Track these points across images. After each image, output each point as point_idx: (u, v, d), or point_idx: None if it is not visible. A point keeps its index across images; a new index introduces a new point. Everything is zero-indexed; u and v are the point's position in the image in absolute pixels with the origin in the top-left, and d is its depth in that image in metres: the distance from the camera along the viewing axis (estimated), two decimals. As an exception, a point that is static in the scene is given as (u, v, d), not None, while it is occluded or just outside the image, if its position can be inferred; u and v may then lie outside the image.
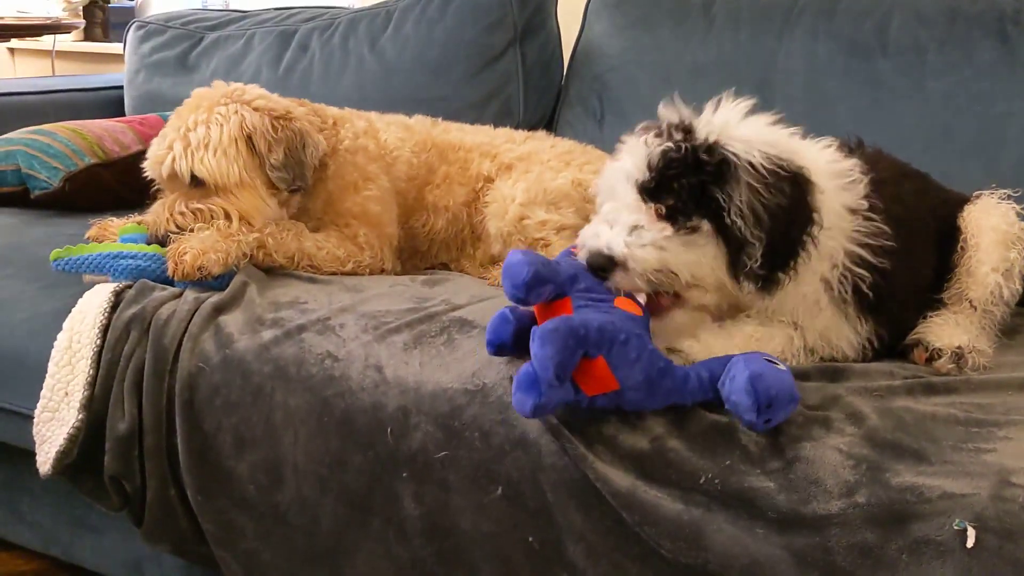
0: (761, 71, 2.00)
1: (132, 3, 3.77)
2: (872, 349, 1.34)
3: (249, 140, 1.61)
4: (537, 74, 2.29)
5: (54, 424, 1.45)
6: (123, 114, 2.53)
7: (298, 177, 1.64)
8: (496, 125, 2.01)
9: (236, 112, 1.61)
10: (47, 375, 1.46)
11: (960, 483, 1.01)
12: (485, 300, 1.47)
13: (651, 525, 1.08)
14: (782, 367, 1.09)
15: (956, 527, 0.97)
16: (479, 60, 2.25)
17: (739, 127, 1.20)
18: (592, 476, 1.11)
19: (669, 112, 1.23)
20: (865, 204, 1.28)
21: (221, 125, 1.59)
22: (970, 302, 1.42)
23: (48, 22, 3.45)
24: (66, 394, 1.45)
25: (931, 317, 1.40)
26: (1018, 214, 1.47)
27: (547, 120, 2.31)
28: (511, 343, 1.21)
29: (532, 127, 2.14)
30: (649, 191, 1.17)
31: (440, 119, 1.97)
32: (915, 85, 1.89)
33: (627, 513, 1.09)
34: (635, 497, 1.09)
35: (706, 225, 1.17)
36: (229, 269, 1.53)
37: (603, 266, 1.17)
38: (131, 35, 2.62)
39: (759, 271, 1.17)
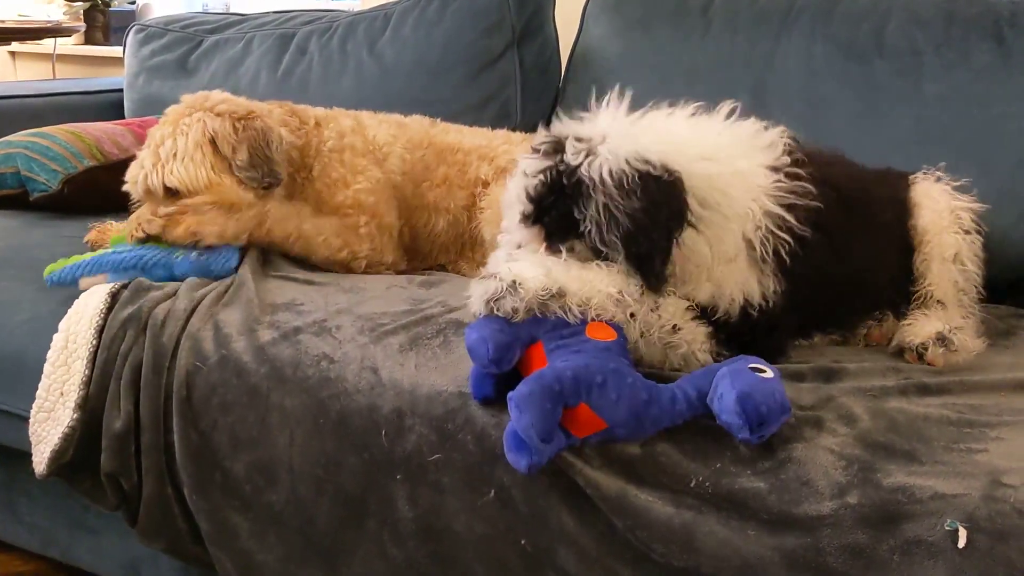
0: (758, 73, 2.01)
1: (132, 7, 3.78)
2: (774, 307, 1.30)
3: (213, 143, 1.64)
4: (535, 76, 2.29)
5: (49, 424, 1.46)
6: (123, 117, 2.53)
7: (267, 175, 1.66)
8: (494, 127, 2.02)
9: (199, 120, 1.65)
10: (43, 375, 1.47)
11: (952, 483, 1.02)
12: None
13: (642, 529, 1.09)
14: (769, 373, 1.09)
15: (948, 527, 0.98)
16: (477, 63, 2.25)
17: (613, 137, 1.22)
18: (582, 482, 1.12)
19: (558, 127, 1.29)
20: (788, 160, 1.30)
21: (185, 134, 1.63)
22: (939, 302, 1.46)
23: (49, 25, 3.46)
24: (61, 394, 1.46)
25: (903, 323, 1.44)
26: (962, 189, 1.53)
27: (545, 123, 2.30)
28: (495, 395, 1.20)
29: (530, 129, 2.14)
30: (531, 218, 1.24)
31: (439, 120, 1.97)
32: (912, 87, 1.89)
33: (618, 518, 1.10)
34: (626, 501, 1.09)
35: (580, 244, 1.22)
36: (226, 242, 1.56)
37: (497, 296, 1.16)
38: (131, 38, 2.62)
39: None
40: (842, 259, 1.36)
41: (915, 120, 1.87)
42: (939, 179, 1.54)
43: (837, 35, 1.97)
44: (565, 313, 1.14)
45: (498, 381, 1.18)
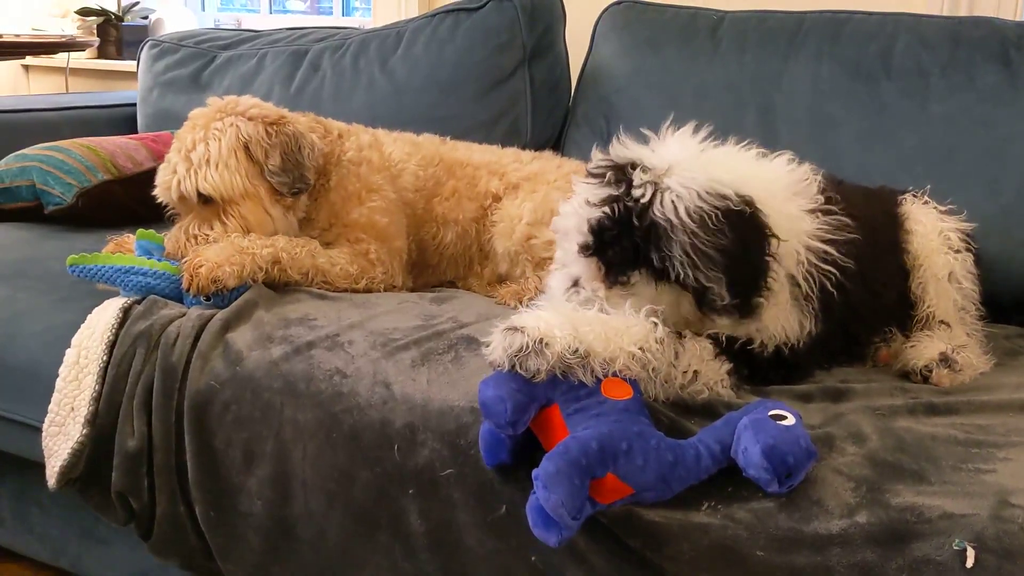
0: (766, 93, 2.02)
1: (146, 22, 3.81)
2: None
3: (247, 149, 1.64)
4: (545, 95, 2.31)
5: (60, 438, 1.47)
6: (136, 131, 2.56)
7: (298, 180, 1.67)
8: (504, 145, 2.04)
9: (232, 124, 1.65)
10: (55, 390, 1.48)
11: (960, 503, 1.03)
12: (492, 318, 1.49)
13: (653, 550, 1.09)
14: (790, 420, 1.08)
15: (956, 547, 0.98)
16: (488, 81, 2.27)
17: (680, 169, 1.21)
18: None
19: (617, 151, 1.26)
20: (822, 199, 1.34)
21: (219, 139, 1.63)
22: (941, 322, 1.48)
23: (63, 40, 3.48)
24: (72, 409, 1.47)
25: (906, 346, 1.46)
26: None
27: (554, 140, 2.33)
28: (510, 459, 1.17)
29: (539, 147, 2.16)
30: (590, 250, 1.23)
31: (448, 138, 1.99)
32: (918, 108, 1.91)
33: (629, 539, 1.10)
34: (636, 522, 1.10)
35: (638, 275, 1.22)
36: (244, 282, 1.55)
37: None
38: (145, 53, 2.65)
39: (733, 304, 1.19)
40: (864, 284, 1.39)
41: (921, 141, 1.89)
42: (926, 202, 1.57)
43: (844, 56, 1.99)
44: (585, 374, 1.09)
45: (512, 451, 1.16)
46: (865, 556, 1.01)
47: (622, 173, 1.23)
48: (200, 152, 1.62)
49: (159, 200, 1.70)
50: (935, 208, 1.56)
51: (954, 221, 1.55)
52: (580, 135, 2.26)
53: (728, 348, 1.27)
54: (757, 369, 1.29)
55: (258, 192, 1.65)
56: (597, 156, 1.30)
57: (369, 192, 1.77)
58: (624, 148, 1.27)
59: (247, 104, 1.71)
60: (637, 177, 1.21)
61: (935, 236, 1.51)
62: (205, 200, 1.63)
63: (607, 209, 1.20)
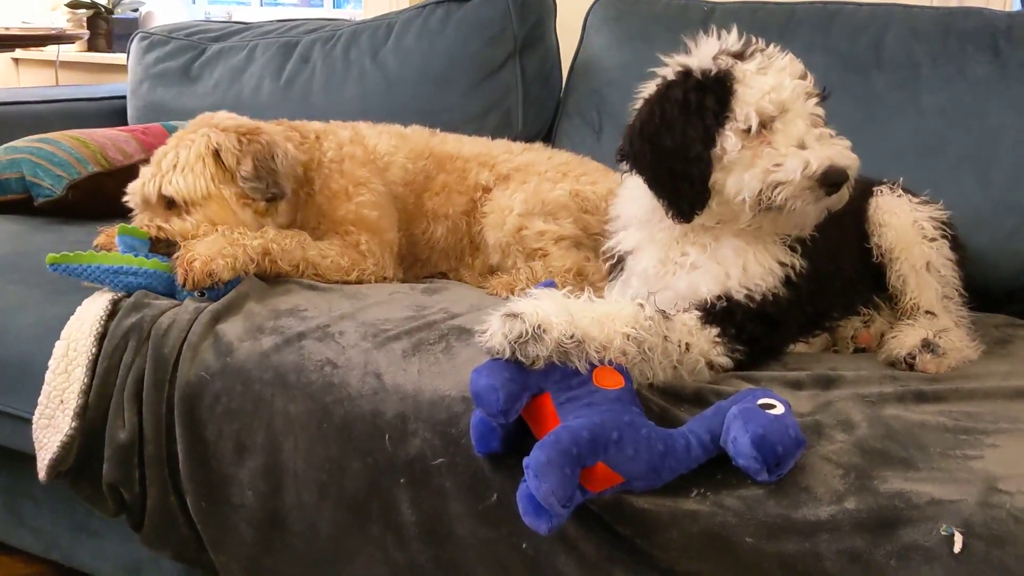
0: (757, 84, 2.02)
1: (136, 15, 3.80)
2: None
3: (216, 156, 1.66)
4: (536, 86, 2.31)
5: (50, 431, 1.47)
6: (126, 123, 2.55)
7: (272, 186, 1.68)
8: (495, 136, 2.04)
9: (203, 135, 1.68)
10: (44, 383, 1.48)
11: (948, 489, 1.03)
12: (483, 309, 1.49)
13: (643, 537, 1.09)
14: (779, 408, 1.08)
15: (944, 533, 0.99)
16: (479, 72, 2.27)
17: None
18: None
19: None
20: None
21: (188, 147, 1.66)
22: (927, 312, 1.50)
23: (52, 32, 3.47)
24: (61, 402, 1.47)
25: (888, 336, 1.47)
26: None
27: (546, 132, 2.33)
28: (501, 448, 1.17)
29: (531, 139, 2.17)
30: None
31: (438, 130, 1.99)
32: (909, 99, 1.91)
33: (620, 526, 1.11)
34: (626, 510, 1.10)
35: None
36: (238, 274, 1.55)
37: None
38: (135, 46, 2.64)
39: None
40: (831, 252, 1.42)
41: (913, 131, 1.90)
42: (900, 195, 1.58)
43: (836, 47, 2.00)
44: (580, 360, 1.09)
45: (503, 439, 1.16)
46: (854, 542, 1.02)
47: None
48: (169, 159, 1.66)
49: (129, 208, 1.73)
50: (909, 199, 1.57)
51: (929, 210, 1.56)
52: (572, 126, 2.26)
53: (711, 311, 1.30)
54: (742, 328, 1.31)
55: (222, 194, 1.66)
56: None
57: (356, 187, 1.77)
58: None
59: (222, 116, 1.74)
60: None
61: (910, 227, 1.53)
62: (168, 204, 1.65)
63: None
